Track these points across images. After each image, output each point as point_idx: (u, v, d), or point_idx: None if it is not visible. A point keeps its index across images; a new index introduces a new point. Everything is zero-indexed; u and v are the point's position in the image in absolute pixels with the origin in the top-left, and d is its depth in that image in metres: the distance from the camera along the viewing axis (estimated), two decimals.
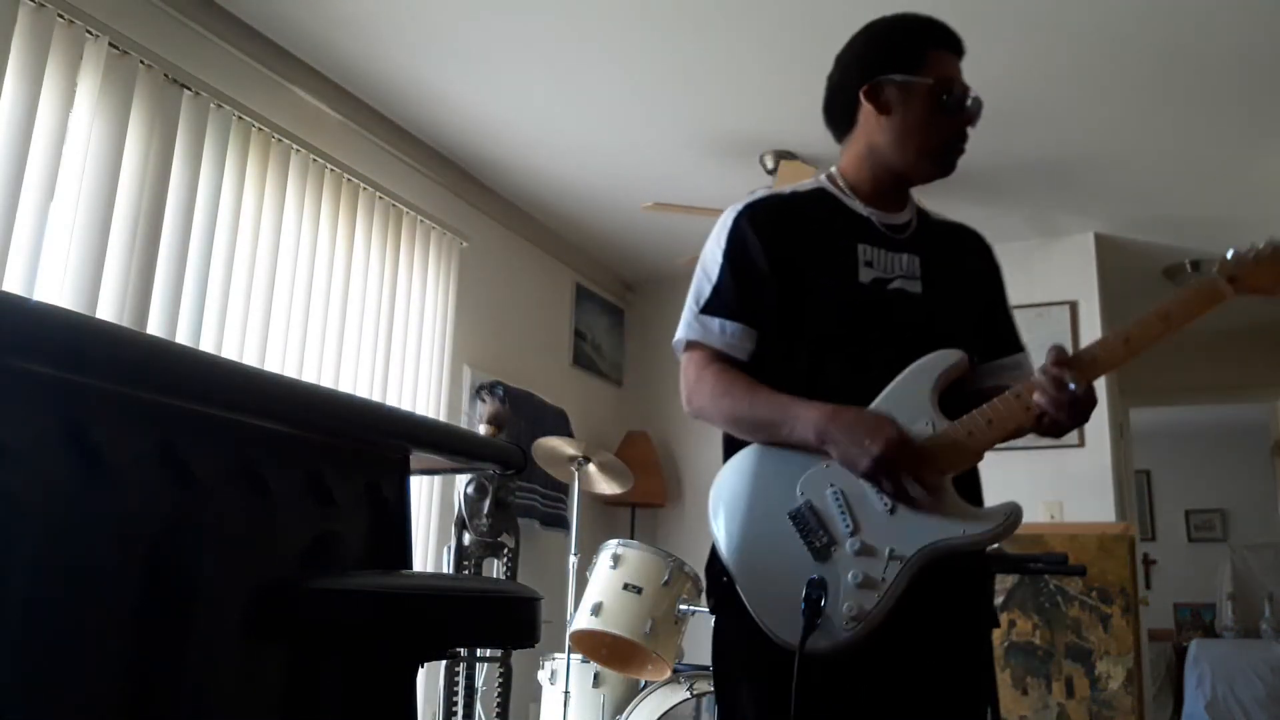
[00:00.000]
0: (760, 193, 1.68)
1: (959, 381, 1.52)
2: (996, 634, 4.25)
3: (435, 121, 3.95)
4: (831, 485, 1.47)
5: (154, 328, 2.90)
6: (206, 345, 3.04)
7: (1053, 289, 4.76)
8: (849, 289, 1.55)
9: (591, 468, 3.86)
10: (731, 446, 1.58)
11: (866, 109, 1.60)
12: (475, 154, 4.23)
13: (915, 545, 1.41)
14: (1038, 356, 1.53)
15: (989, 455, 1.52)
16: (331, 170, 3.62)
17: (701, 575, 3.27)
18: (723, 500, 1.53)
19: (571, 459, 3.83)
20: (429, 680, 3.69)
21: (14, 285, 2.53)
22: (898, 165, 1.61)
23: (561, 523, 4.72)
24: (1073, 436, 4.56)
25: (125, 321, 2.80)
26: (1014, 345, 1.69)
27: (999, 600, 4.30)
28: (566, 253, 5.20)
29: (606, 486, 3.96)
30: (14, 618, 1.07)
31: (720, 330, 1.57)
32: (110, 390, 1.17)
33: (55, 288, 2.65)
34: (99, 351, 1.13)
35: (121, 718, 1.17)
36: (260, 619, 1.31)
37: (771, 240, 1.57)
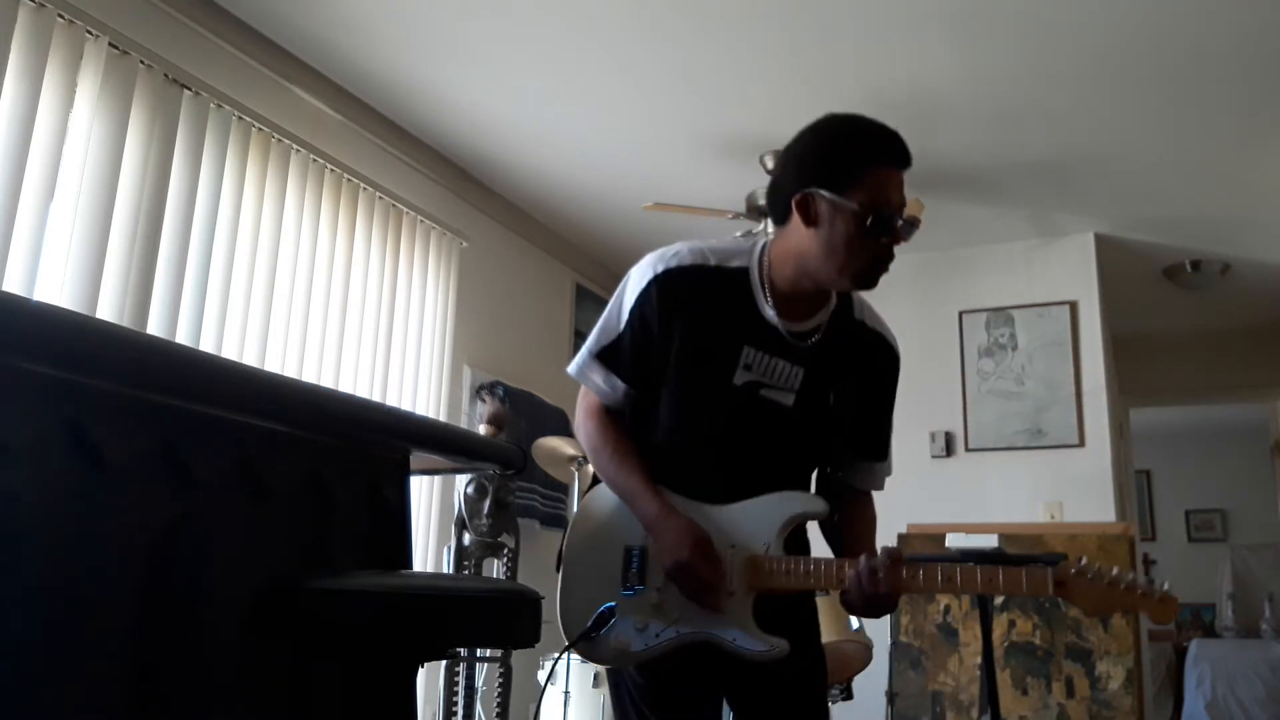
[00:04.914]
0: (685, 254, 1.67)
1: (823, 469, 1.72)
2: (997, 634, 4.26)
3: (435, 121, 3.95)
4: None
5: (154, 328, 2.90)
6: (206, 345, 3.03)
7: (1053, 289, 4.76)
8: (720, 388, 1.63)
9: (591, 468, 3.85)
10: None
11: (796, 216, 1.58)
12: (475, 154, 4.23)
13: (692, 628, 1.58)
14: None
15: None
16: (331, 170, 3.62)
17: None
18: (585, 509, 1.74)
19: (571, 459, 3.82)
20: (429, 680, 3.69)
21: (14, 285, 2.53)
22: (820, 277, 1.61)
23: (561, 523, 4.71)
24: (1073, 437, 4.56)
25: (125, 321, 2.80)
26: (877, 455, 1.78)
27: (999, 600, 4.29)
28: (566, 253, 5.20)
29: None
30: (15, 617, 1.07)
31: (610, 387, 1.71)
32: (110, 390, 1.17)
33: (55, 288, 2.65)
34: (99, 351, 1.13)
35: (122, 716, 1.17)
36: (260, 619, 1.31)
37: (671, 315, 1.64)
